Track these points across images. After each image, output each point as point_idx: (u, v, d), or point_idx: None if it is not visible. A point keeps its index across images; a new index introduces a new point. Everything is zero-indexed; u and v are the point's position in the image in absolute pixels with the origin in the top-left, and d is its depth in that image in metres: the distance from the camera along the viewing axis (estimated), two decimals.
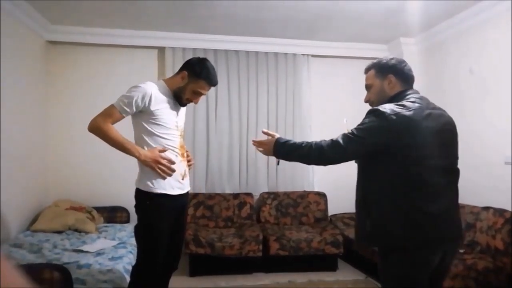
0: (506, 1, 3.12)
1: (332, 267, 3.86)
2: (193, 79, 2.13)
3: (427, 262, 1.62)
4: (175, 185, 2.14)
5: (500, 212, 3.02)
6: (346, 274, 3.78)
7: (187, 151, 2.34)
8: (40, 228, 3.41)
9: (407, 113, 1.60)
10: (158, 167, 2.06)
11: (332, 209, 4.45)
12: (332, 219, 4.39)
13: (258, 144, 1.92)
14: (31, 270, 2.08)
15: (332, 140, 1.68)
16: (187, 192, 2.30)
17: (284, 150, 1.80)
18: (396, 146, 1.59)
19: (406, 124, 1.58)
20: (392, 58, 1.83)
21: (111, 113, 2.05)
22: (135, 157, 2.07)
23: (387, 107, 1.63)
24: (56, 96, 4.15)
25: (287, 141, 1.81)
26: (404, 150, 1.59)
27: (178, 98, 2.18)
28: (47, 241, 3.16)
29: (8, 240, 3.18)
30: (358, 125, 1.67)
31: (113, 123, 2.06)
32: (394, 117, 1.58)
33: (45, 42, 4.04)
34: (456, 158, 1.75)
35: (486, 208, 3.14)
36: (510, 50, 3.11)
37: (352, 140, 1.64)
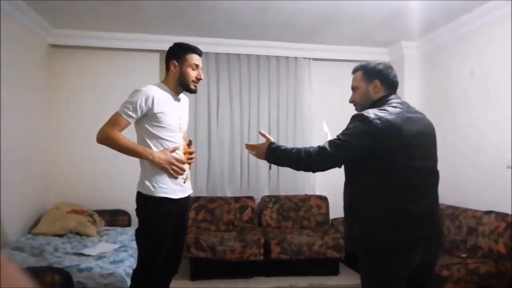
0: (506, 5, 3.13)
1: (334, 271, 3.85)
2: (182, 59, 2.16)
3: (408, 262, 1.66)
4: (176, 188, 2.14)
5: (502, 216, 3.00)
6: (347, 278, 3.77)
7: (190, 143, 2.33)
8: (41, 231, 3.41)
9: (390, 117, 1.65)
10: (171, 168, 2.07)
11: (334, 213, 4.43)
12: (333, 223, 4.37)
13: (250, 147, 1.97)
14: (32, 274, 2.08)
15: (319, 146, 1.71)
16: (189, 195, 2.29)
17: (275, 155, 1.83)
18: (380, 150, 1.64)
19: (389, 127, 1.63)
20: (380, 63, 1.87)
21: (117, 121, 2.04)
22: (149, 160, 2.06)
23: (370, 112, 1.67)
24: (58, 99, 4.16)
25: (279, 146, 1.83)
26: (388, 153, 1.64)
27: (185, 86, 2.18)
28: (48, 244, 3.16)
29: (9, 243, 3.18)
30: (344, 130, 1.71)
31: (120, 130, 2.05)
32: (378, 121, 1.62)
33: (47, 46, 4.05)
34: (436, 159, 1.81)
35: (488, 212, 3.13)
36: (510, 53, 3.11)
37: (339, 145, 1.67)
